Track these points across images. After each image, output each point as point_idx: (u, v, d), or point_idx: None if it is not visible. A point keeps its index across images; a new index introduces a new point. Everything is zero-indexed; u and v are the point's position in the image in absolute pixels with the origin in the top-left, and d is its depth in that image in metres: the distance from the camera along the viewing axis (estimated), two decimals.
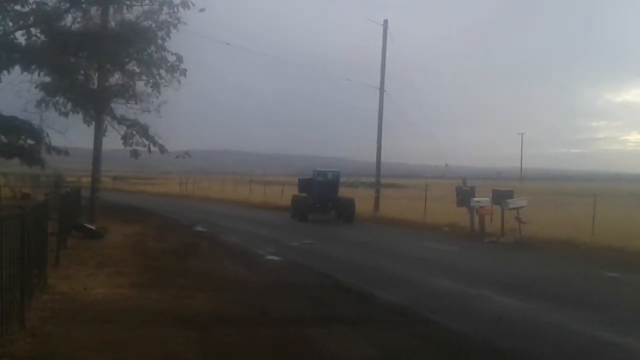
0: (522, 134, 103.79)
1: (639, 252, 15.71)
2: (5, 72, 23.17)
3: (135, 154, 23.09)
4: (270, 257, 15.06)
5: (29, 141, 24.12)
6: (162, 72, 22.41)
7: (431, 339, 7.55)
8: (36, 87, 21.32)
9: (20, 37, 22.43)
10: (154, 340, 6.87)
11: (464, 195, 22.20)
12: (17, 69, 22.56)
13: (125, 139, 22.51)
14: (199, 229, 22.53)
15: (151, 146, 22.92)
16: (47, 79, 21.60)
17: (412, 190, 46.62)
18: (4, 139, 24.10)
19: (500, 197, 20.55)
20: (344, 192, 31.45)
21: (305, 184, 30.20)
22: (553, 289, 11.55)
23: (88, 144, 23.73)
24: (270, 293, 10.19)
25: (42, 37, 21.39)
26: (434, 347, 7.21)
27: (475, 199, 21.29)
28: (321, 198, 27.97)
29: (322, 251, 16.48)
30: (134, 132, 22.50)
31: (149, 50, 22.02)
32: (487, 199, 21.28)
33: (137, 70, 22.26)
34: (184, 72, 22.84)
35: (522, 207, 19.81)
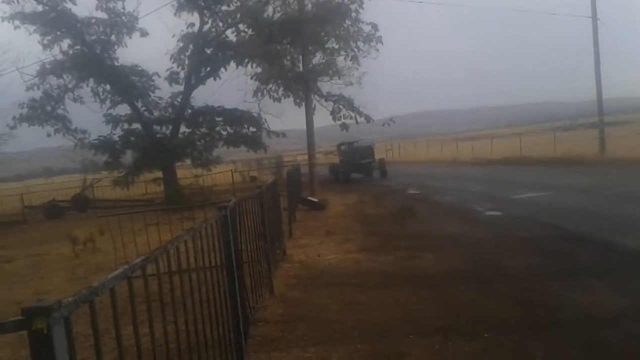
0: None
1: None
2: (222, 68, 25.93)
3: (344, 126, 24.16)
4: (490, 213, 14.54)
5: (251, 129, 26.77)
6: (360, 43, 22.99)
7: None
8: (251, 78, 23.45)
9: (230, 34, 24.84)
10: (390, 301, 7.11)
11: None
12: (232, 65, 25.08)
13: (333, 114, 23.67)
14: (411, 191, 22.69)
15: (357, 117, 23.77)
16: (259, 70, 23.59)
17: None
18: (230, 130, 27.08)
19: None
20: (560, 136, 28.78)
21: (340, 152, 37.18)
22: None
23: (300, 124, 25.44)
24: (497, 249, 9.84)
25: (249, 31, 23.38)
26: None
27: None
28: (350, 163, 33.57)
29: (545, 202, 15.36)
30: (341, 107, 23.54)
31: (345, 25, 22.70)
32: None
33: (337, 46, 23.12)
34: (380, 40, 23.15)
35: None
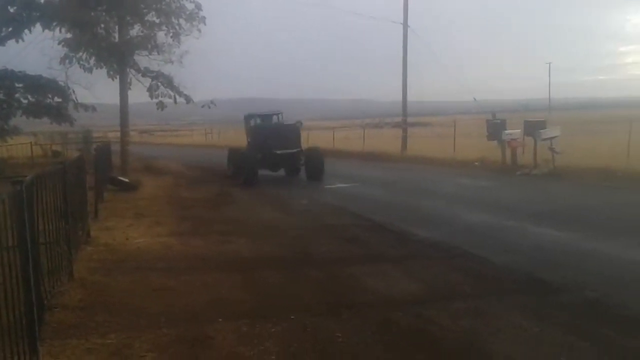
0: (550, 64, 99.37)
1: None
2: (27, 30, 23.23)
3: (161, 105, 23.15)
4: (304, 201, 15.17)
5: (56, 99, 24.39)
6: (182, 21, 22.17)
7: (472, 273, 7.55)
8: (59, 44, 21.31)
9: None
10: (200, 285, 7.05)
11: (494, 129, 21.76)
12: (38, 27, 22.56)
13: (150, 90, 22.52)
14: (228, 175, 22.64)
15: (176, 97, 22.95)
16: (69, 35, 21.54)
17: (439, 128, 46.02)
18: (31, 98, 24.40)
19: (532, 127, 20.00)
20: (369, 132, 30.93)
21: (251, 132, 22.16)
22: (589, 217, 11.39)
23: (114, 99, 23.83)
24: (307, 235, 10.30)
25: None
26: (476, 280, 7.21)
27: (506, 131, 20.86)
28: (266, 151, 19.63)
29: (354, 193, 16.52)
30: (159, 84, 22.50)
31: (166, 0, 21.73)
32: (519, 130, 20.86)
33: (157, 20, 22.04)
34: (203, 20, 22.55)
35: (556, 136, 19.35)
